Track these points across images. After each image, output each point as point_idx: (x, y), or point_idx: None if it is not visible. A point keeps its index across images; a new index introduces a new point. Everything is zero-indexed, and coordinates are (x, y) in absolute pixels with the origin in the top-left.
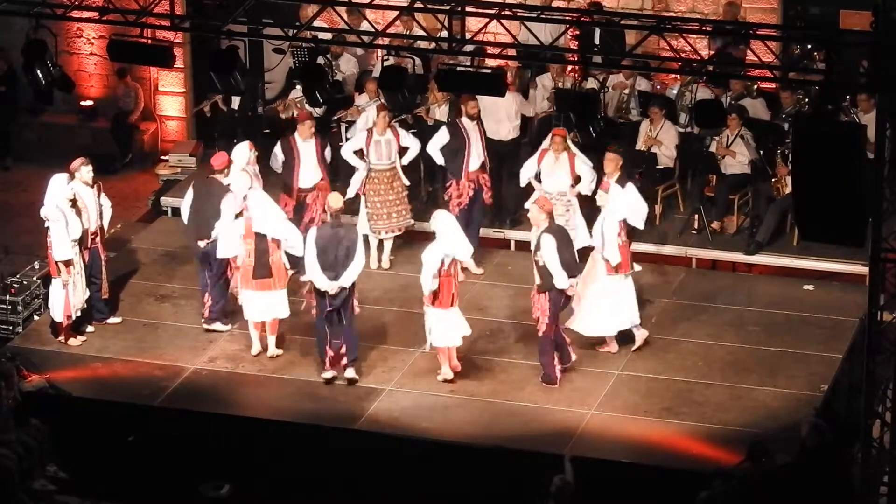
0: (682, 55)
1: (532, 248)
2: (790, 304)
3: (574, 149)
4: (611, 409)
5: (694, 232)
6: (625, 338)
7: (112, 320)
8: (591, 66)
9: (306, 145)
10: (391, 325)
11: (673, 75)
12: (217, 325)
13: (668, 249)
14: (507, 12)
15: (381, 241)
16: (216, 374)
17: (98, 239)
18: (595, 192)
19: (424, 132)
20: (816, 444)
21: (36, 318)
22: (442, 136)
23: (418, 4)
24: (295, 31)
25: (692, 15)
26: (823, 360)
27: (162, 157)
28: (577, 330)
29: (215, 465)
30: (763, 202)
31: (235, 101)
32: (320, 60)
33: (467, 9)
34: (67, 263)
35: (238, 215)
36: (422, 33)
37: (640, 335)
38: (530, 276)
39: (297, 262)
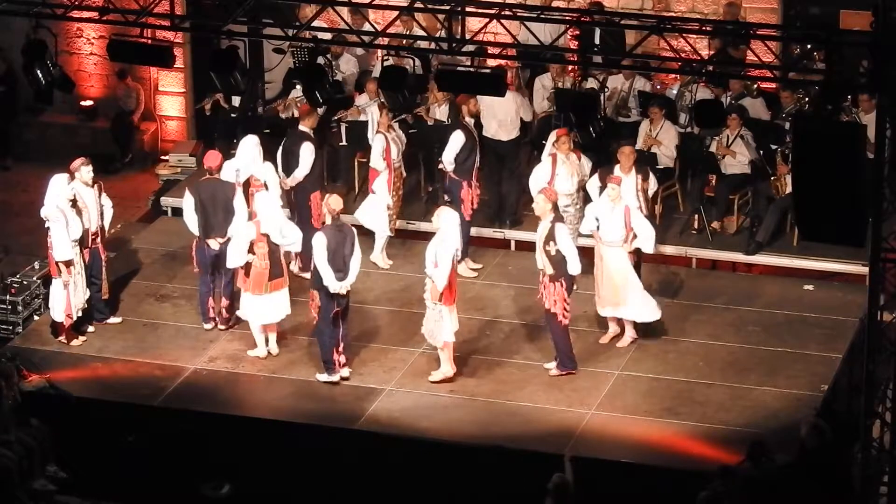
0: (682, 55)
1: (539, 238)
2: (790, 304)
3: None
4: (611, 409)
5: (694, 232)
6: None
7: (112, 320)
8: (591, 66)
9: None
10: (391, 325)
11: (673, 75)
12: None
13: (668, 249)
14: (507, 12)
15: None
16: (216, 374)
17: (98, 239)
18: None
19: (424, 132)
20: (816, 444)
21: (36, 318)
22: (457, 142)
23: (418, 4)
24: (295, 31)
25: (692, 15)
26: (823, 360)
27: (162, 157)
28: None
29: (215, 465)
30: (763, 202)
31: (236, 101)
32: (320, 60)
33: (467, 9)
34: (68, 263)
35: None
36: (422, 33)
37: (631, 335)
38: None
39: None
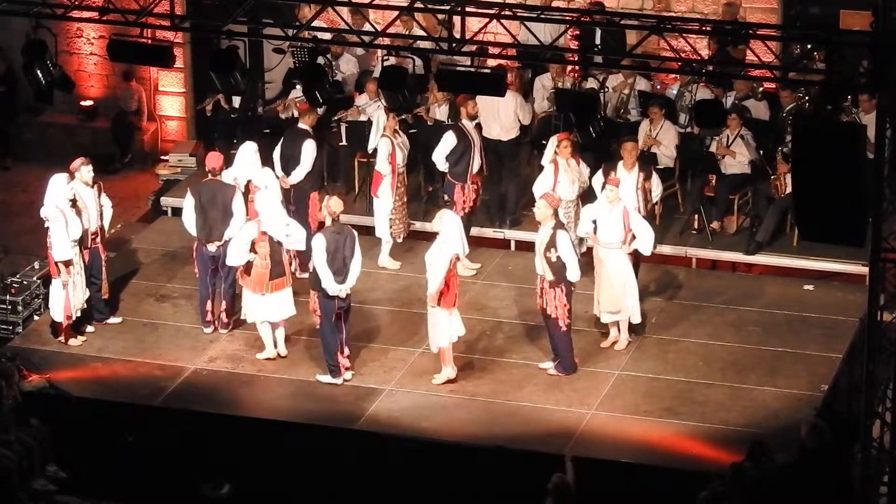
0: (682, 55)
1: (539, 244)
2: (790, 304)
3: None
4: (611, 409)
5: (694, 232)
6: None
7: (112, 320)
8: (591, 66)
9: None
10: (391, 325)
11: (673, 75)
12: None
13: (668, 249)
14: (507, 12)
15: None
16: (216, 374)
17: (98, 239)
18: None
19: (424, 132)
20: (816, 444)
21: (36, 318)
22: (448, 142)
23: (418, 4)
24: (295, 31)
25: (692, 15)
26: (823, 360)
27: (162, 157)
28: (631, 319)
29: (215, 465)
30: (763, 202)
31: (236, 101)
32: (320, 60)
33: (467, 9)
34: (67, 263)
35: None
36: (422, 33)
37: (626, 338)
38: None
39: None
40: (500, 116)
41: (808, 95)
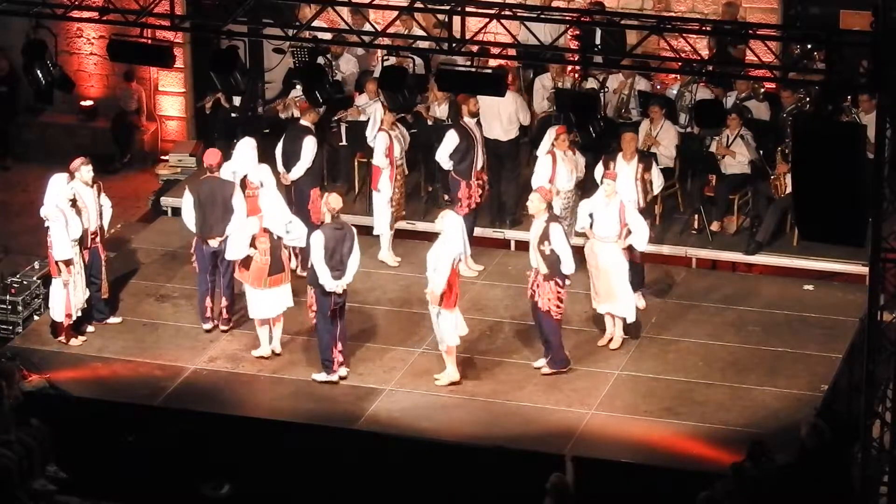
0: (682, 55)
1: (534, 237)
2: (790, 304)
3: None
4: (611, 409)
5: (694, 232)
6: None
7: (112, 320)
8: (591, 66)
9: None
10: (391, 325)
11: (673, 75)
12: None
13: (668, 249)
14: (507, 12)
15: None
16: (216, 374)
17: (98, 239)
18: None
19: (424, 132)
20: (816, 444)
21: (36, 318)
22: (451, 141)
23: (418, 4)
24: (295, 31)
25: (692, 15)
26: (823, 360)
27: (162, 157)
28: (625, 316)
29: (215, 465)
30: (763, 202)
31: (236, 100)
32: (320, 60)
33: (467, 9)
34: (67, 263)
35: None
36: (422, 33)
37: (621, 335)
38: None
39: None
40: (500, 116)
41: (808, 96)
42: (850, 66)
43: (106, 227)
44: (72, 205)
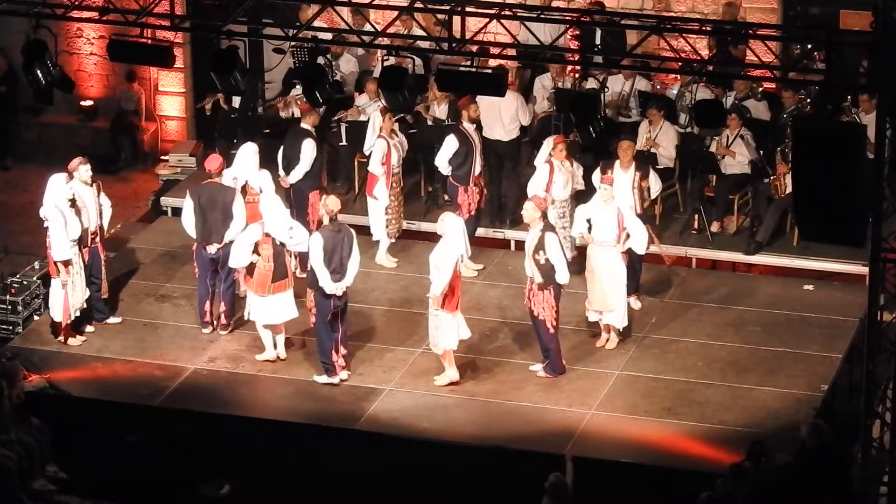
0: (682, 55)
1: (529, 246)
2: (790, 304)
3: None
4: (611, 409)
5: (694, 232)
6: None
7: (112, 320)
8: (591, 66)
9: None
10: (392, 326)
11: (673, 75)
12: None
13: (669, 249)
14: (507, 12)
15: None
16: (216, 374)
17: (97, 239)
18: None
19: (424, 132)
20: (816, 444)
21: (36, 318)
22: (450, 146)
23: (418, 4)
24: (295, 31)
25: (692, 15)
26: (823, 360)
27: (162, 157)
28: (615, 324)
29: (215, 465)
30: (763, 202)
31: (236, 101)
32: (320, 60)
33: (467, 9)
34: (67, 263)
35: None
36: (422, 33)
37: (616, 337)
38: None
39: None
40: (501, 117)
41: (809, 96)
42: (850, 66)
43: (106, 227)
44: (71, 205)
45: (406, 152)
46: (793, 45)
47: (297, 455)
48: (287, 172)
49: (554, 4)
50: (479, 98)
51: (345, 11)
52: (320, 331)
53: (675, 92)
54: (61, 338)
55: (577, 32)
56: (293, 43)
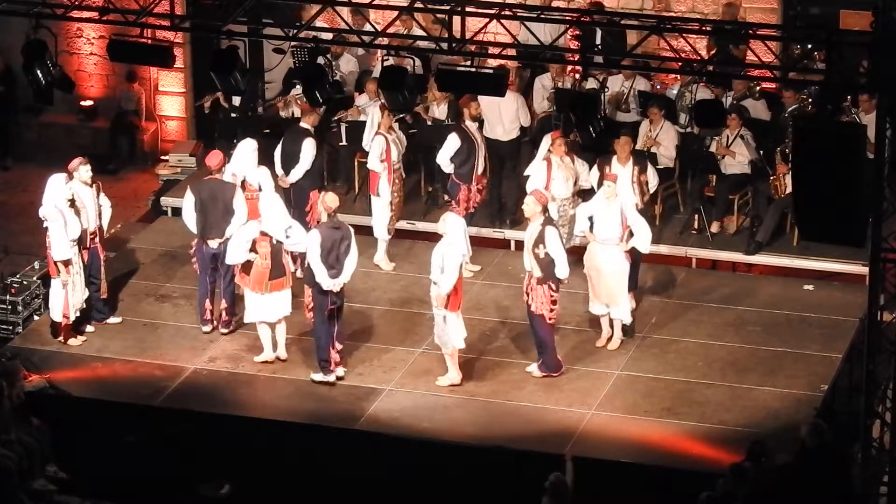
0: (682, 55)
1: (528, 240)
2: (790, 304)
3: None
4: (611, 409)
5: (694, 232)
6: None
7: (112, 320)
8: (591, 66)
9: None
10: (392, 325)
11: (673, 75)
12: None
13: (668, 249)
14: (507, 12)
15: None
16: (216, 374)
17: (97, 239)
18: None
19: (424, 132)
20: (816, 444)
21: (36, 318)
22: (452, 144)
23: (418, 4)
24: (295, 31)
25: (692, 15)
26: (823, 360)
27: (162, 157)
28: (622, 319)
29: (215, 465)
30: (763, 202)
31: (236, 100)
32: (320, 60)
33: (467, 9)
34: (66, 263)
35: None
36: (422, 33)
37: (619, 336)
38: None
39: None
40: (502, 117)
41: (810, 97)
42: (850, 66)
43: (105, 227)
44: (70, 205)
45: (405, 148)
46: (793, 45)
47: (297, 455)
48: (286, 172)
49: (554, 4)
50: (479, 98)
51: (345, 11)
52: (318, 328)
53: (675, 92)
54: (61, 338)
55: (577, 32)
56: (293, 43)
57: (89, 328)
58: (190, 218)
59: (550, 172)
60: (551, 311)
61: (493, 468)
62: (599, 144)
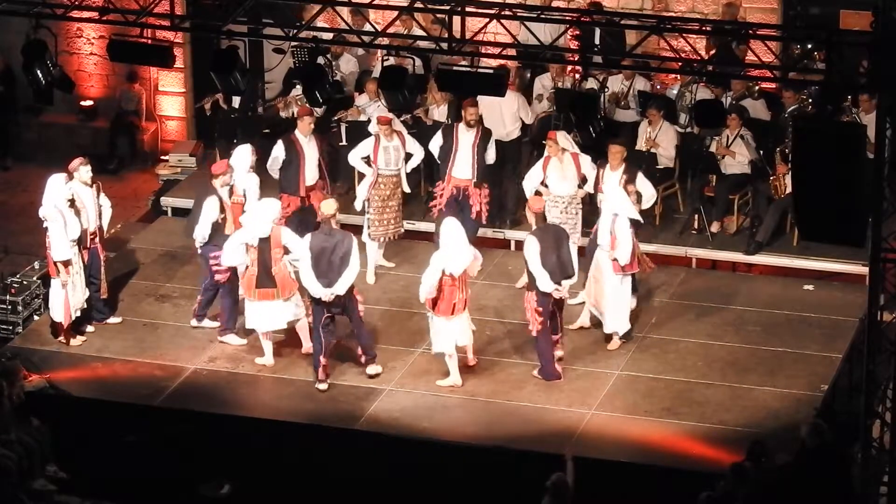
0: (682, 55)
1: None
2: (790, 304)
3: (576, 148)
4: (611, 409)
5: (694, 232)
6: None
7: (112, 320)
8: (591, 66)
9: (308, 142)
10: (391, 325)
11: (673, 75)
12: (230, 338)
13: (668, 249)
14: (507, 12)
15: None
16: (216, 374)
17: (97, 239)
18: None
19: (424, 133)
20: (816, 444)
21: (36, 318)
22: (437, 140)
23: (418, 4)
24: (295, 31)
25: (692, 15)
26: (823, 360)
27: (162, 157)
28: (616, 330)
29: (215, 465)
30: (763, 202)
31: (236, 101)
32: (320, 60)
33: (467, 9)
34: (66, 264)
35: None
36: (422, 33)
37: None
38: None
39: None
40: (503, 117)
41: (810, 97)
42: (850, 66)
43: (105, 228)
44: (70, 205)
45: (403, 159)
46: (793, 45)
47: (297, 455)
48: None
49: (554, 4)
50: (480, 98)
51: (345, 11)
52: (314, 335)
53: (675, 92)
54: (61, 338)
55: (577, 32)
56: (293, 43)
57: (89, 328)
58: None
59: (546, 171)
60: (536, 319)
61: (493, 468)
62: (599, 144)
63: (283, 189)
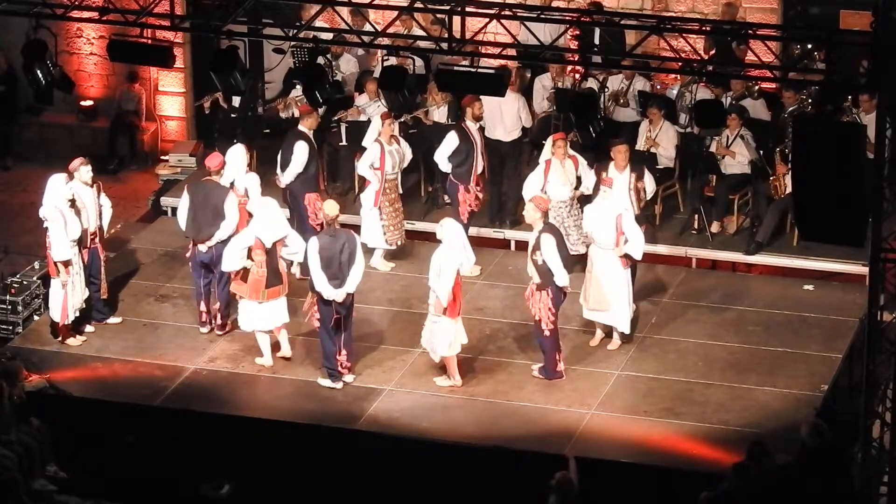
0: (682, 55)
1: (530, 246)
2: (790, 304)
3: (571, 151)
4: (611, 409)
5: (694, 232)
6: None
7: (112, 320)
8: (591, 66)
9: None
10: (391, 325)
11: (673, 75)
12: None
13: (668, 249)
14: (507, 12)
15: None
16: (216, 374)
17: (97, 239)
18: (595, 190)
19: (424, 134)
20: (816, 444)
21: (36, 318)
22: (451, 143)
23: (418, 4)
24: (295, 31)
25: (692, 15)
26: (823, 360)
27: (162, 157)
28: (615, 325)
29: (215, 465)
30: (763, 202)
31: (236, 101)
32: (320, 60)
33: (467, 9)
34: (66, 264)
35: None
36: (422, 33)
37: (619, 339)
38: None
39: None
40: (503, 117)
41: (810, 97)
42: (850, 66)
43: (105, 228)
44: (70, 205)
45: (405, 161)
46: (793, 45)
47: (297, 455)
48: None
49: (554, 4)
50: (483, 98)
51: (345, 11)
52: (323, 336)
53: (675, 92)
54: (61, 338)
55: (577, 32)
56: (293, 43)
57: (89, 328)
58: (183, 217)
59: (548, 175)
60: (550, 318)
61: (493, 468)
62: (599, 144)
63: (310, 189)
